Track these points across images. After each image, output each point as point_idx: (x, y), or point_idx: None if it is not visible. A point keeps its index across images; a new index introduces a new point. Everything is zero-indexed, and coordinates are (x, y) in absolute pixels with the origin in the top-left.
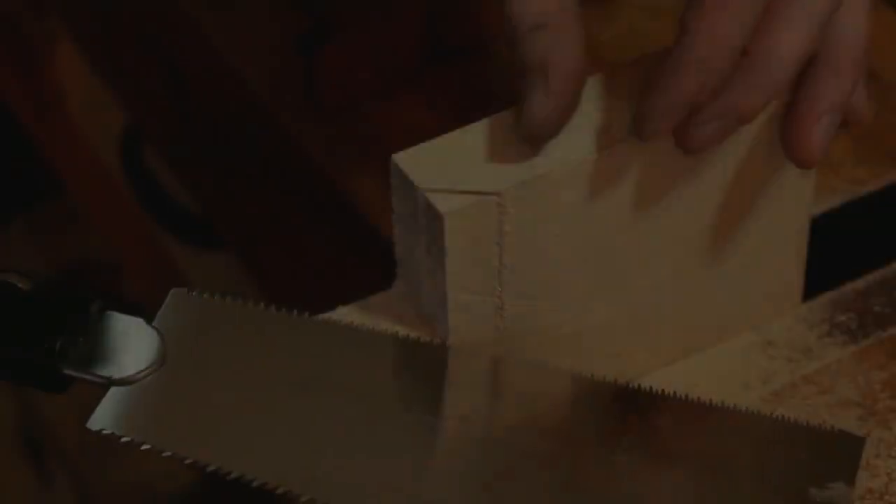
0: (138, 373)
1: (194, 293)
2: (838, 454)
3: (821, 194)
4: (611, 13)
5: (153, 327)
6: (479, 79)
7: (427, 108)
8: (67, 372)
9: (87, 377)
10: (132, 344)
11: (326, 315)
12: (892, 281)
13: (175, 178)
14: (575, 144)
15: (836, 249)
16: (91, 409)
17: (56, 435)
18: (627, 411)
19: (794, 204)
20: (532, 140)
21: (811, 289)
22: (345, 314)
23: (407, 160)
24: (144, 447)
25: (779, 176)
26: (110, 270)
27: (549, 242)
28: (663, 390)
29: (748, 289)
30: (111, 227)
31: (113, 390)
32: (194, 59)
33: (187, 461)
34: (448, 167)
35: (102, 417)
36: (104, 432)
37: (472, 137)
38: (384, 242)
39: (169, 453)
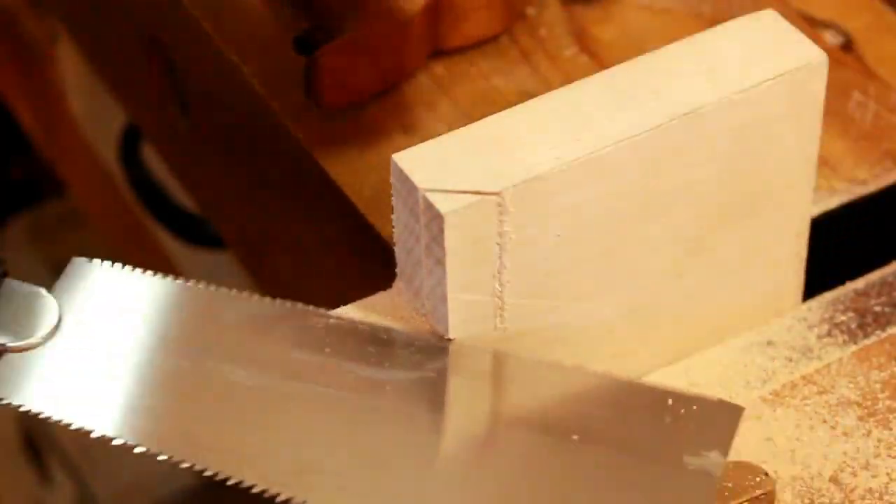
0: (34, 340)
1: (95, 262)
2: (715, 423)
3: (821, 194)
4: (611, 13)
5: (51, 295)
6: (479, 79)
7: (427, 108)
8: None
9: None
10: (30, 311)
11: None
12: (892, 281)
13: (175, 177)
14: (575, 144)
15: (836, 249)
16: None
17: (56, 435)
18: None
19: (793, 204)
20: None
21: (811, 289)
22: (345, 314)
23: (407, 160)
24: (24, 410)
25: (779, 176)
26: None
27: (549, 242)
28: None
29: (748, 289)
30: (111, 227)
31: (7, 356)
32: (194, 59)
33: (72, 427)
34: (448, 167)
35: None
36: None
37: (472, 137)
38: (384, 242)
39: (52, 419)
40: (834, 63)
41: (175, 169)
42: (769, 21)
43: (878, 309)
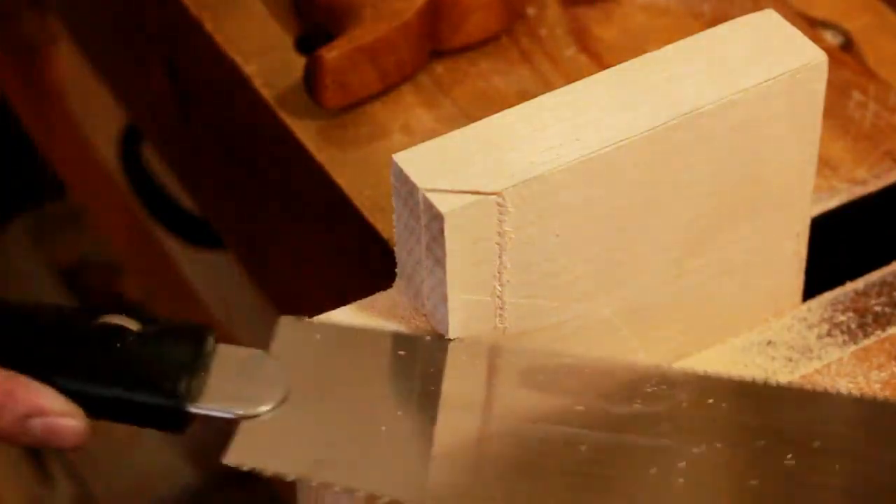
0: (266, 408)
1: (304, 319)
2: None
3: (821, 194)
4: (611, 13)
5: (273, 358)
6: (479, 79)
7: (427, 108)
8: (192, 410)
9: (215, 414)
10: (254, 377)
11: (326, 315)
12: (892, 281)
13: (175, 178)
14: (575, 144)
15: (836, 249)
16: None
17: None
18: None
19: (793, 204)
20: None
21: (811, 289)
22: (345, 314)
23: (407, 160)
24: (288, 477)
25: (779, 176)
26: (110, 270)
27: (549, 242)
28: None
29: (748, 289)
30: (111, 227)
31: (244, 425)
32: (194, 59)
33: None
34: (448, 167)
35: (239, 453)
36: (244, 468)
37: (472, 137)
38: (384, 242)
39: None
40: (834, 63)
41: (175, 169)
42: (769, 21)
43: (878, 309)
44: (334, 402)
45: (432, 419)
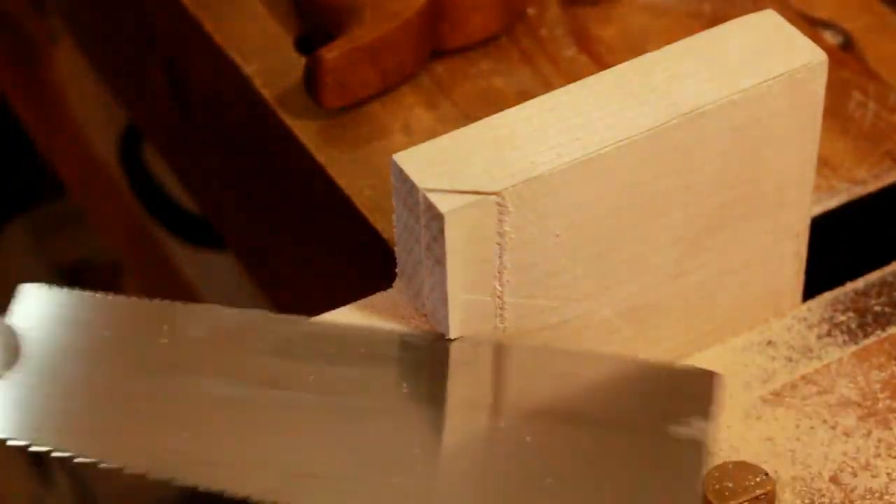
0: None
1: (44, 286)
2: (693, 391)
3: (821, 194)
4: (611, 13)
5: (6, 324)
6: (479, 79)
7: (427, 108)
8: None
9: None
10: None
11: (326, 315)
12: (892, 281)
13: (175, 178)
14: (575, 144)
15: (836, 249)
16: None
17: None
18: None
19: (793, 204)
20: None
21: (811, 289)
22: (345, 314)
23: (407, 160)
24: (14, 443)
25: (779, 176)
26: (110, 270)
27: (549, 242)
28: None
29: (748, 289)
30: (111, 227)
31: None
32: (194, 59)
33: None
34: (448, 167)
35: None
36: None
37: (472, 137)
38: (384, 242)
39: (26, 445)
40: (834, 63)
41: (175, 169)
42: (769, 21)
43: (878, 309)
44: (72, 369)
45: (175, 386)
